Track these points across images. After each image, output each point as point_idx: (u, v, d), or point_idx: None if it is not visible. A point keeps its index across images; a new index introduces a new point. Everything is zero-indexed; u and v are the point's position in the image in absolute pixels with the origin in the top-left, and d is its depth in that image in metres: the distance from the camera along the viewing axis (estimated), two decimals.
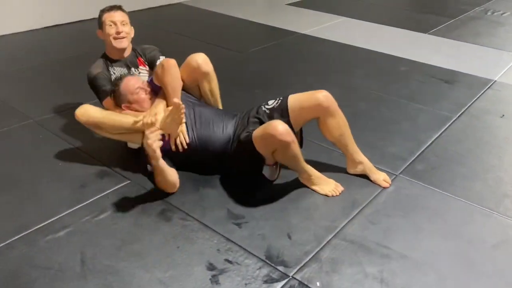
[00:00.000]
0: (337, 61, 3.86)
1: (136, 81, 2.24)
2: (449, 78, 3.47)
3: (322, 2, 5.92)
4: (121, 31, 2.32)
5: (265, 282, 1.64)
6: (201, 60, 2.31)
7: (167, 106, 2.18)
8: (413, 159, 2.40)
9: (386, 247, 1.80)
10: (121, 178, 2.21)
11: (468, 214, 2.00)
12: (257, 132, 1.99)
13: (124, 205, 2.02)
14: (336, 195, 2.08)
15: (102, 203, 2.02)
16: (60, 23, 4.76)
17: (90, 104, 2.24)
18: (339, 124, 2.10)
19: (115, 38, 2.32)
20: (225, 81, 3.37)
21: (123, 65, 2.41)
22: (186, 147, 2.10)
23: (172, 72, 2.17)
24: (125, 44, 2.36)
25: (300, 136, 2.21)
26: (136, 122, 2.13)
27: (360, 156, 2.17)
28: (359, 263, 1.72)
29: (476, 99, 3.10)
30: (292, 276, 1.66)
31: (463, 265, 1.72)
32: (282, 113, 2.10)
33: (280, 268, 1.69)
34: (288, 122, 2.04)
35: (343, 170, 2.23)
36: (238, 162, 2.14)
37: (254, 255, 1.75)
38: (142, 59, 2.45)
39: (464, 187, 2.17)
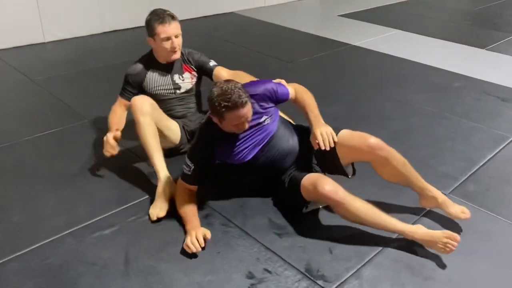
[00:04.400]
0: (389, 74, 3.78)
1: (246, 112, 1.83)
2: (506, 96, 3.32)
3: (376, 14, 5.85)
4: (176, 46, 2.27)
5: None
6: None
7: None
8: (464, 179, 2.31)
9: (431, 269, 1.73)
10: None
11: None
12: (305, 182, 1.89)
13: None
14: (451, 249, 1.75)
15: (148, 205, 2.07)
16: (119, 28, 4.97)
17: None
18: (396, 170, 1.93)
19: (170, 52, 2.29)
20: None
21: (167, 72, 2.38)
22: None
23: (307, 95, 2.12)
24: (179, 54, 2.35)
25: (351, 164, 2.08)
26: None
27: (431, 191, 1.98)
28: (401, 284, 1.66)
29: None
30: None
31: None
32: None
33: (320, 282, 1.67)
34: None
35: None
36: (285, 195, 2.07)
37: (294, 267, 1.73)
38: (187, 66, 2.42)
39: None
